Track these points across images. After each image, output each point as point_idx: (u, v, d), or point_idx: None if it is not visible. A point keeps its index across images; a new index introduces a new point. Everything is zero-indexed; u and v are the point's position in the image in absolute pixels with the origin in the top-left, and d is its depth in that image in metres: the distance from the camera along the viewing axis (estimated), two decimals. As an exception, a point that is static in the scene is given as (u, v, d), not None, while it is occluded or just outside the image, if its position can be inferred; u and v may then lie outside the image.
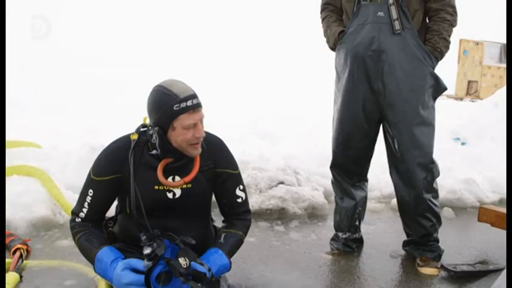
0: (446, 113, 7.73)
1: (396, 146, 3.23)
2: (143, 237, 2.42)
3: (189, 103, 2.41)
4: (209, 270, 2.48)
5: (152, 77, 2.78)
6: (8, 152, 4.29)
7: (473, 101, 14.26)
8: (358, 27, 3.19)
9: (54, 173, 4.09)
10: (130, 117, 2.72)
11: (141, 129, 2.59)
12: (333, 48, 3.40)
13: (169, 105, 2.40)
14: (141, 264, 2.37)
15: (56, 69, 8.71)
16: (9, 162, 4.15)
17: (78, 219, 2.59)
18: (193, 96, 2.45)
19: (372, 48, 3.14)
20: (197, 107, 2.44)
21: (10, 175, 3.97)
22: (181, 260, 2.40)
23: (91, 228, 2.58)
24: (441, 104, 9.37)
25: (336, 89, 3.39)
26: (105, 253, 2.45)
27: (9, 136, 4.56)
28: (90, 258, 2.47)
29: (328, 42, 3.41)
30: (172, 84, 2.47)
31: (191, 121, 2.43)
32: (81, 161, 4.23)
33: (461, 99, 11.93)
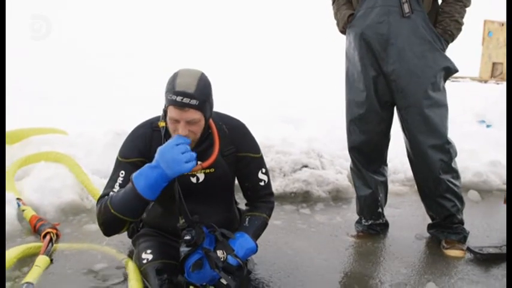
0: (471, 95, 7.66)
1: (408, 130, 3.22)
2: (181, 221, 2.45)
3: (178, 98, 2.35)
4: (244, 264, 2.51)
5: (170, 65, 2.80)
6: (35, 139, 4.38)
7: (498, 83, 14.03)
8: (367, 10, 3.16)
9: (80, 158, 4.15)
10: (151, 103, 2.74)
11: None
12: (342, 32, 3.38)
13: (167, 92, 2.40)
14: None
15: (67, 63, 8.78)
16: (36, 149, 4.22)
17: (106, 196, 2.49)
18: (186, 94, 2.35)
19: (381, 31, 3.12)
20: (184, 106, 2.36)
21: (38, 161, 4.04)
22: (220, 253, 2.43)
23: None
24: (465, 87, 9.30)
25: (347, 73, 3.38)
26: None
27: (35, 125, 4.66)
28: (128, 193, 2.33)
29: (337, 25, 3.39)
30: (182, 74, 2.43)
31: (173, 115, 2.40)
32: (106, 146, 4.29)
33: (485, 81, 11.76)
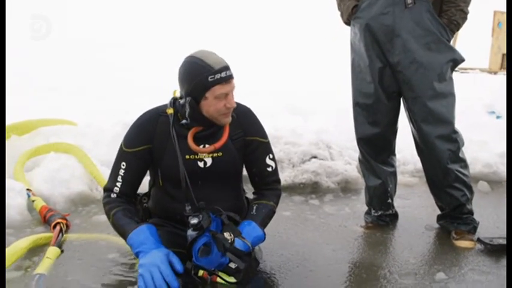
0: (481, 86, 7.61)
1: (415, 120, 3.21)
2: (188, 208, 2.46)
3: (223, 74, 2.45)
4: (252, 248, 2.52)
5: (178, 56, 2.81)
6: (44, 130, 4.39)
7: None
8: (372, 1, 3.14)
9: (89, 149, 4.17)
10: (159, 94, 2.76)
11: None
12: (347, 23, 3.35)
13: (204, 76, 2.44)
14: (181, 266, 2.38)
15: (76, 55, 8.81)
16: (45, 140, 4.25)
17: (112, 195, 2.61)
18: (227, 67, 2.48)
19: (386, 23, 3.10)
20: (230, 78, 2.49)
21: (47, 152, 4.05)
22: (227, 235, 2.44)
23: (126, 205, 2.61)
24: (475, 78, 9.21)
25: (352, 63, 3.37)
26: (150, 228, 2.47)
27: (44, 116, 4.67)
28: (127, 231, 2.47)
29: (341, 16, 3.37)
30: (206, 56, 2.50)
31: (223, 91, 2.47)
32: (115, 137, 4.27)
33: (495, 73, 11.66)
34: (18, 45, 9.14)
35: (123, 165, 2.61)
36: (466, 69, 10.20)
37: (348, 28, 3.39)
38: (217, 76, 2.44)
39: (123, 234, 2.51)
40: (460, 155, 3.25)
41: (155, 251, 2.38)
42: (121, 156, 2.64)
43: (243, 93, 2.67)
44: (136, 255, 2.44)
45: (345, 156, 4.61)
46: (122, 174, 2.61)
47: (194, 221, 2.40)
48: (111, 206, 2.60)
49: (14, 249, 2.76)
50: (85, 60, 8.52)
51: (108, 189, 2.65)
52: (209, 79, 2.43)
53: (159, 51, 9.89)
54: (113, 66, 8.10)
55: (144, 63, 8.97)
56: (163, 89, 3.28)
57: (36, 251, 2.89)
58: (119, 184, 2.61)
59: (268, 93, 6.36)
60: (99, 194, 3.83)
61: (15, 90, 5.75)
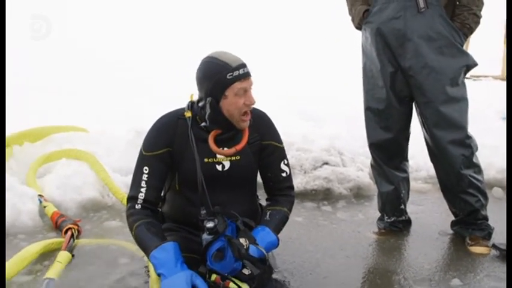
0: (493, 93, 7.54)
1: (427, 125, 3.18)
2: (203, 212, 2.44)
3: (241, 71, 2.47)
4: (266, 254, 2.49)
5: (189, 64, 2.82)
6: (57, 136, 4.40)
7: (520, 82, 13.80)
8: (383, 6, 3.12)
9: (101, 156, 4.16)
10: (172, 103, 2.77)
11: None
12: (358, 28, 3.34)
13: (222, 74, 2.45)
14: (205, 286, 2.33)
15: (88, 63, 8.85)
16: (57, 147, 4.25)
17: (137, 206, 2.53)
18: (244, 65, 2.50)
19: (397, 27, 3.08)
20: (248, 75, 2.50)
21: (59, 159, 4.06)
22: (242, 241, 2.41)
23: (150, 218, 2.53)
24: (487, 85, 9.15)
25: (364, 68, 3.35)
26: (174, 247, 2.39)
27: (57, 122, 4.69)
28: (150, 246, 2.39)
29: (353, 21, 3.35)
30: (222, 55, 2.52)
31: (242, 88, 2.48)
32: (127, 145, 4.29)
33: (508, 80, 11.58)
34: (18, 45, 9.19)
35: (146, 170, 2.55)
36: (478, 76, 10.13)
37: (358, 33, 3.37)
38: (236, 73, 2.45)
39: (146, 250, 2.44)
40: (474, 160, 3.21)
41: (178, 275, 2.30)
42: (142, 161, 2.59)
43: (255, 97, 2.65)
44: (158, 275, 2.38)
45: (357, 163, 4.57)
46: (146, 179, 2.55)
47: (210, 224, 2.38)
48: (134, 218, 2.52)
49: (26, 254, 2.77)
50: (96, 69, 8.55)
51: (132, 198, 2.57)
52: (228, 77, 2.44)
53: (169, 57, 9.90)
54: (125, 75, 8.11)
55: (156, 68, 8.99)
56: (176, 96, 3.28)
57: (47, 256, 2.89)
58: (143, 190, 2.54)
59: (280, 99, 6.34)
60: (111, 200, 3.83)
61: (16, 92, 5.76)
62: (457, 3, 3.11)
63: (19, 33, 10.54)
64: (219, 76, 2.45)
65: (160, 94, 6.41)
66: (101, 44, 11.00)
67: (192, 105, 2.62)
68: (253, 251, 2.46)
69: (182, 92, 2.90)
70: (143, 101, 6.23)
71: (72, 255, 2.90)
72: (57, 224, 3.30)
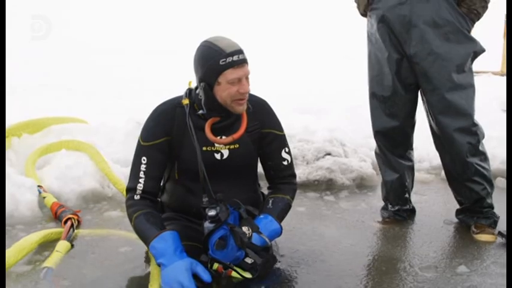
0: (495, 86, 7.52)
1: (433, 113, 3.13)
2: (205, 200, 2.40)
3: (235, 58, 2.39)
4: (269, 242, 2.47)
5: (186, 57, 2.79)
6: (56, 128, 4.36)
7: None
8: None
9: (101, 147, 4.12)
10: (170, 92, 2.73)
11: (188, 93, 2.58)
12: (363, 15, 3.30)
13: (216, 59, 2.39)
14: (207, 275, 2.30)
15: (86, 58, 8.85)
16: (57, 138, 4.21)
17: (136, 197, 2.52)
18: (240, 51, 2.42)
19: (403, 13, 3.03)
20: (242, 62, 2.42)
21: (59, 150, 4.01)
22: (245, 229, 2.38)
23: (149, 208, 2.51)
24: (488, 79, 9.12)
25: (369, 55, 3.30)
26: (173, 236, 2.36)
27: (56, 114, 4.65)
28: (149, 236, 2.38)
29: (358, 8, 3.31)
30: (219, 40, 2.45)
31: (236, 76, 2.41)
32: (127, 135, 4.26)
33: (508, 75, 11.53)
34: (18, 45, 9.16)
35: (144, 160, 2.52)
36: (478, 72, 10.10)
37: (359, 24, 3.33)
38: (229, 59, 2.38)
39: (145, 241, 2.42)
40: (480, 148, 3.16)
41: (177, 263, 2.28)
42: (140, 151, 2.56)
43: (254, 91, 2.62)
44: (159, 265, 2.36)
45: (359, 154, 4.53)
46: (144, 170, 2.52)
47: (212, 212, 2.34)
48: (133, 209, 2.50)
49: (25, 243, 2.72)
50: (95, 63, 8.54)
51: (130, 189, 2.55)
52: (220, 63, 2.38)
53: (167, 52, 9.88)
54: (122, 68, 8.10)
55: (152, 63, 8.98)
56: (176, 86, 3.24)
57: (47, 245, 2.84)
58: (142, 181, 2.52)
59: (281, 92, 6.30)
60: (111, 191, 3.79)
61: (18, 89, 5.74)
62: None
63: (19, 33, 10.53)
64: (212, 62, 2.39)
65: (160, 85, 6.38)
66: (99, 38, 10.99)
67: (190, 92, 2.57)
68: (256, 239, 2.43)
69: (182, 81, 2.86)
70: (142, 91, 6.20)
71: (72, 245, 2.86)
72: (57, 215, 3.26)
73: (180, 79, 3.30)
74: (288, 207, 2.71)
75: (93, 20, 13.26)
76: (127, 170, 2.76)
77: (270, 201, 2.68)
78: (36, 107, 5.22)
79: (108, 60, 8.85)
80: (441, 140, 3.18)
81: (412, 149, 3.47)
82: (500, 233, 3.09)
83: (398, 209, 3.42)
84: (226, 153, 2.57)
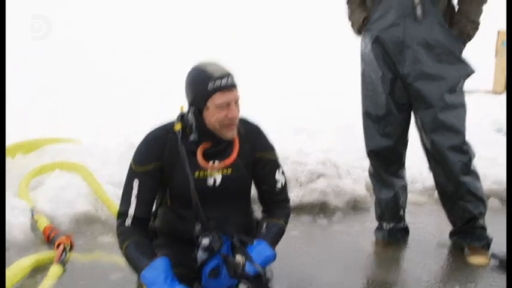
0: (486, 106, 7.56)
1: (426, 132, 3.16)
2: (198, 227, 2.39)
3: (223, 81, 2.39)
4: (263, 272, 2.45)
5: (179, 75, 2.80)
6: (50, 148, 4.35)
7: (512, 96, 13.77)
8: (382, 13, 3.11)
9: (95, 169, 4.09)
10: (165, 115, 2.74)
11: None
12: (358, 34, 3.32)
13: (204, 84, 2.39)
14: None
15: (81, 73, 8.86)
16: (50, 159, 4.19)
17: (127, 223, 2.49)
18: (228, 75, 2.42)
19: (396, 34, 3.07)
20: (231, 86, 2.42)
21: (52, 170, 4.00)
22: (238, 258, 2.37)
23: (139, 236, 2.48)
24: (479, 98, 9.18)
25: (363, 74, 3.33)
26: (164, 263, 2.33)
27: (50, 132, 4.64)
28: (140, 266, 2.35)
29: (352, 27, 3.34)
30: (208, 65, 2.46)
31: (224, 100, 2.40)
32: (121, 157, 4.22)
33: (500, 93, 11.58)
34: (18, 45, 9.16)
35: (136, 183, 2.50)
36: (470, 91, 10.14)
37: (352, 44, 3.36)
38: (218, 83, 2.38)
39: (136, 270, 2.39)
40: (472, 167, 3.19)
41: None
42: (132, 176, 2.54)
43: (246, 112, 2.62)
44: None
45: (353, 175, 4.53)
46: (136, 194, 2.49)
47: (205, 241, 2.34)
48: (123, 237, 2.47)
49: (17, 268, 2.70)
50: (91, 61, 8.55)
51: (122, 214, 2.52)
52: (209, 87, 2.39)
53: (167, 52, 9.89)
54: (119, 67, 8.12)
55: (152, 63, 8.98)
56: (172, 109, 3.25)
57: (39, 269, 2.83)
58: (133, 206, 2.48)
59: (273, 114, 6.31)
60: (104, 214, 3.75)
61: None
62: (456, 10, 3.11)
63: (19, 33, 10.52)
64: (201, 86, 2.40)
65: (160, 85, 6.36)
66: (99, 38, 11.00)
67: (182, 117, 2.57)
68: (249, 268, 2.42)
69: (177, 105, 2.87)
70: (137, 113, 6.19)
71: (64, 269, 2.84)
72: (50, 238, 3.25)
73: (180, 79, 3.30)
74: (281, 232, 2.70)
75: (93, 20, 13.28)
76: (120, 192, 2.74)
77: (264, 226, 2.67)
78: (27, 124, 5.23)
79: (108, 61, 8.86)
80: (436, 157, 3.20)
81: (404, 168, 3.49)
82: (493, 255, 3.09)
83: (393, 228, 3.42)
84: (219, 178, 2.55)
